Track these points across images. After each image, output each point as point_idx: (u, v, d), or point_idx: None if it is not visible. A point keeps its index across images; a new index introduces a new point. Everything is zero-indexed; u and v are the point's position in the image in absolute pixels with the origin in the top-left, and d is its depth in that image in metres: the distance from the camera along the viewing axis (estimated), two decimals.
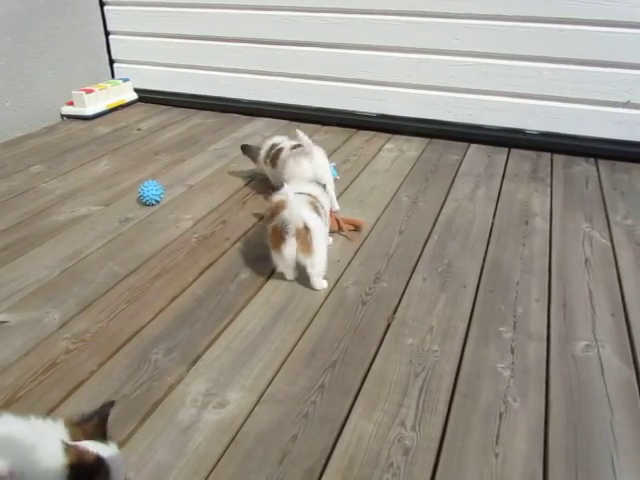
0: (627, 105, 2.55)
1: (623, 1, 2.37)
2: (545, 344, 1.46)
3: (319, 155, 2.03)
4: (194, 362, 1.40)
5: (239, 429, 1.21)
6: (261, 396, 1.29)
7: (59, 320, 1.55)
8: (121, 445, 1.16)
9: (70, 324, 1.54)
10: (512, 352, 1.43)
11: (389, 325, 1.53)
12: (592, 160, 2.65)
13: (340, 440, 1.18)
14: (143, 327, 1.52)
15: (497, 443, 1.18)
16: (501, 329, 1.51)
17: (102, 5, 3.45)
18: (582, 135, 2.68)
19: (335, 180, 2.17)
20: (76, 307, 1.61)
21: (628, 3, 2.37)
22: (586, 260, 1.83)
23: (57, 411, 1.25)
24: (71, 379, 1.34)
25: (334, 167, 2.26)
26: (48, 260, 1.84)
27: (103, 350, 1.44)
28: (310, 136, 2.05)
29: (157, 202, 2.20)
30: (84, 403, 1.27)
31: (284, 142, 2.19)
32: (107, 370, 1.37)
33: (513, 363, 1.39)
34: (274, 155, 2.16)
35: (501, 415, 1.24)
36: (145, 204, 2.19)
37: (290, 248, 1.60)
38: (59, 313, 1.58)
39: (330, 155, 2.43)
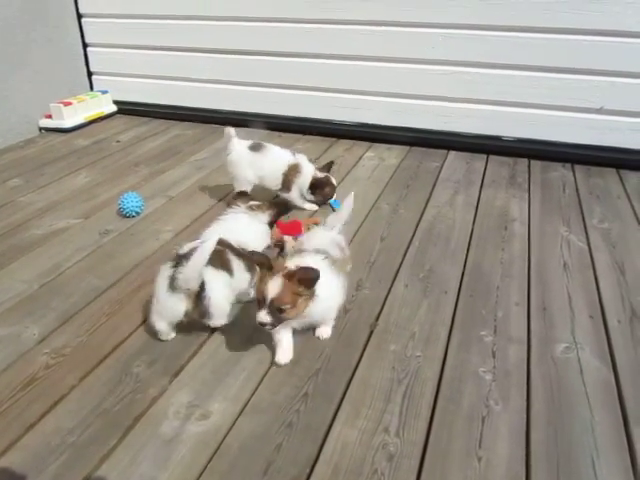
0: (600, 111, 2.61)
1: (595, 10, 2.43)
2: (525, 347, 1.47)
3: None
4: (177, 374, 1.39)
5: (223, 440, 1.20)
6: (245, 406, 1.29)
7: (38, 335, 1.53)
8: (103, 459, 1.15)
9: (49, 339, 1.52)
10: (493, 356, 1.44)
11: (372, 332, 1.53)
12: (568, 165, 2.70)
13: (324, 448, 1.18)
14: (124, 340, 1.51)
15: (480, 447, 1.19)
16: (482, 333, 1.52)
17: (80, 17, 3.43)
18: (558, 141, 2.73)
19: (334, 211, 2.18)
20: (55, 321, 1.59)
21: (600, 12, 2.43)
22: (564, 263, 1.86)
23: (37, 427, 1.23)
24: (51, 394, 1.32)
25: (337, 201, 2.25)
26: (27, 274, 1.82)
27: (84, 364, 1.42)
28: (290, 145, 2.07)
29: (137, 214, 2.19)
30: (65, 418, 1.25)
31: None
32: (88, 384, 1.36)
33: (494, 367, 1.40)
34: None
35: (483, 419, 1.25)
36: (125, 216, 2.18)
37: None
38: (38, 328, 1.56)
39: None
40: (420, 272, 1.81)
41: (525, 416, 1.26)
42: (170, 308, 1.44)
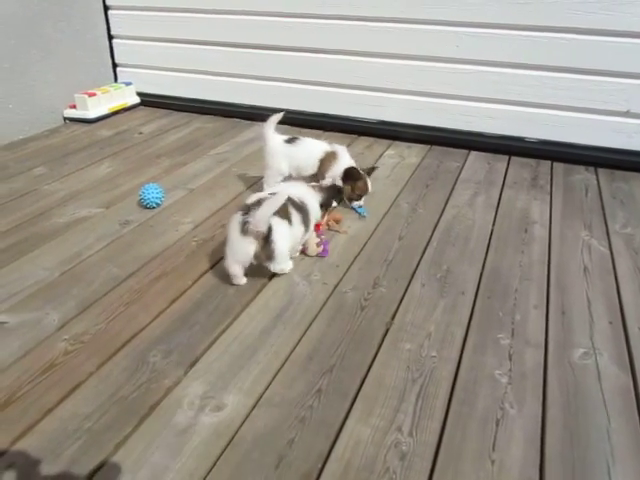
0: (627, 114, 2.56)
1: (623, 11, 2.39)
2: (543, 351, 1.46)
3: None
4: (192, 365, 1.40)
5: (236, 432, 1.21)
6: (258, 400, 1.30)
7: (58, 321, 1.56)
8: (118, 446, 1.17)
9: (69, 325, 1.54)
10: (510, 359, 1.43)
11: (387, 330, 1.53)
12: (592, 168, 2.66)
13: (337, 445, 1.18)
14: (142, 329, 1.52)
15: (494, 449, 1.18)
16: (499, 336, 1.51)
17: (106, 9, 3.47)
18: (582, 144, 2.69)
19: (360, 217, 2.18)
20: (75, 309, 1.61)
21: (627, 13, 2.39)
22: (585, 268, 1.83)
23: (55, 412, 1.25)
24: (69, 380, 1.35)
25: (363, 208, 2.20)
26: (48, 262, 1.85)
27: (102, 352, 1.44)
28: None
29: (158, 205, 2.21)
30: (82, 404, 1.27)
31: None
32: (105, 372, 1.37)
33: (510, 370, 1.39)
34: None
35: (498, 422, 1.24)
36: (146, 207, 2.20)
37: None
38: (58, 314, 1.58)
39: None
40: (438, 272, 1.80)
41: (540, 420, 1.25)
42: (242, 250, 1.64)
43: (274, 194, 1.63)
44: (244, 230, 1.60)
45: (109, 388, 1.32)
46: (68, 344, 1.47)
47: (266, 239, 1.62)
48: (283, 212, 1.67)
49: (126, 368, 1.38)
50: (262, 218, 1.58)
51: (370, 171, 2.23)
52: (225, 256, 1.69)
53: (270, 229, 1.61)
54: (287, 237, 1.69)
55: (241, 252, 1.64)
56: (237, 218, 1.62)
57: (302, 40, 3.04)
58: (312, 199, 1.89)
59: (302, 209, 1.77)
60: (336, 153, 2.20)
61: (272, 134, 2.20)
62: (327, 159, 2.18)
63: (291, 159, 2.20)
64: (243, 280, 1.72)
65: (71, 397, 1.30)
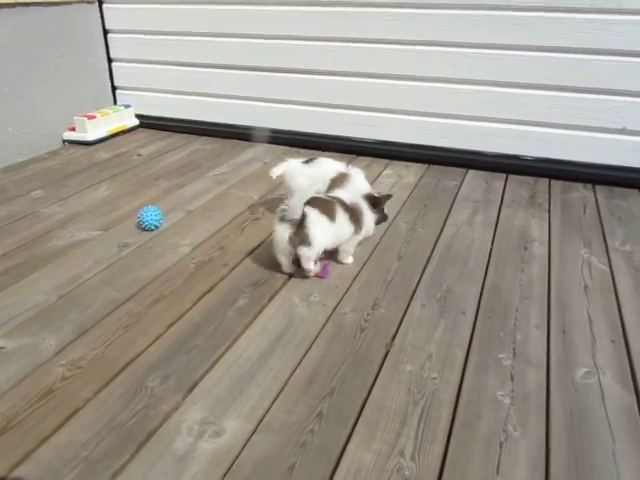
0: (623, 132, 2.58)
1: (615, 30, 2.42)
2: (545, 371, 1.45)
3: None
4: (190, 390, 1.38)
5: (235, 459, 1.19)
6: (258, 425, 1.28)
7: (55, 346, 1.54)
8: (116, 474, 1.15)
9: (66, 350, 1.52)
10: (512, 379, 1.41)
11: (388, 352, 1.52)
12: (589, 186, 2.67)
13: (338, 470, 1.16)
14: (140, 354, 1.51)
15: (497, 473, 1.16)
16: (500, 356, 1.50)
17: (106, 33, 3.51)
18: (579, 161, 2.71)
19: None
20: (73, 333, 1.60)
21: (619, 32, 2.42)
22: (585, 286, 1.83)
23: (51, 440, 1.24)
24: (66, 407, 1.33)
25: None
26: (46, 285, 1.84)
27: (99, 377, 1.42)
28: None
29: (156, 227, 2.21)
30: (79, 431, 1.25)
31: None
32: (103, 398, 1.36)
33: (513, 391, 1.38)
34: None
35: (501, 444, 1.23)
36: (144, 229, 2.20)
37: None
38: (56, 339, 1.57)
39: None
40: (437, 292, 1.79)
41: (544, 442, 1.23)
42: (280, 236, 1.78)
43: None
44: (281, 217, 1.78)
45: (106, 415, 1.30)
46: (65, 369, 1.45)
47: (300, 225, 1.74)
48: (325, 208, 1.81)
49: (124, 394, 1.37)
50: (294, 206, 1.74)
51: (385, 198, 2.13)
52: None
53: (304, 216, 1.74)
54: (323, 228, 1.78)
55: (278, 236, 1.79)
56: (279, 212, 1.80)
57: (300, 62, 3.07)
58: (366, 206, 1.97)
59: (352, 210, 1.88)
60: (349, 175, 2.16)
61: (286, 162, 2.23)
62: (339, 179, 2.16)
63: (309, 177, 2.18)
64: (291, 269, 1.87)
65: (68, 424, 1.28)
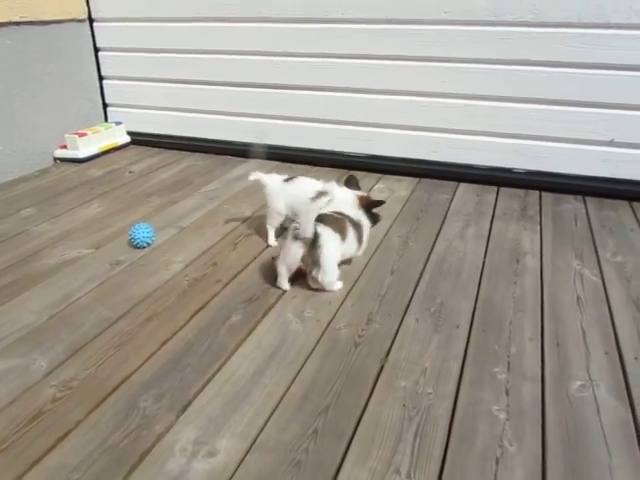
0: (611, 144, 2.61)
1: (603, 44, 2.46)
2: (540, 385, 1.44)
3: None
4: (184, 409, 1.37)
5: (230, 479, 1.17)
6: (252, 444, 1.26)
7: (46, 367, 1.52)
8: None
9: (57, 371, 1.51)
10: (507, 394, 1.41)
11: (382, 367, 1.51)
12: (580, 197, 2.69)
13: None
14: (132, 373, 1.49)
15: None
16: (495, 370, 1.49)
17: (97, 51, 3.52)
18: (569, 173, 2.73)
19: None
20: (64, 353, 1.58)
21: (607, 46, 2.45)
22: (578, 298, 1.83)
23: (42, 463, 1.21)
24: (57, 429, 1.31)
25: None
26: (37, 305, 1.82)
27: (91, 398, 1.40)
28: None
29: (148, 245, 2.20)
30: (70, 454, 1.23)
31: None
32: (94, 419, 1.34)
33: (508, 405, 1.37)
34: None
35: (497, 460, 1.22)
36: (136, 247, 2.18)
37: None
38: (46, 360, 1.55)
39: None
40: (431, 306, 1.79)
41: (540, 458, 1.22)
42: (291, 253, 1.80)
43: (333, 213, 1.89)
44: (294, 236, 1.78)
45: (98, 436, 1.28)
46: (56, 390, 1.43)
47: (312, 244, 1.76)
48: (337, 226, 1.85)
49: (116, 414, 1.35)
50: (306, 225, 1.75)
51: (377, 204, 2.16)
52: (278, 257, 1.88)
53: (317, 235, 1.76)
54: (336, 248, 1.83)
55: (290, 255, 1.80)
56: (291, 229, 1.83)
57: (291, 78, 3.09)
58: (367, 222, 2.03)
59: (357, 227, 1.94)
60: (328, 192, 2.16)
61: (268, 177, 2.22)
62: (319, 198, 2.17)
63: (286, 197, 2.19)
64: (286, 285, 1.88)
65: (59, 446, 1.26)
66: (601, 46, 2.47)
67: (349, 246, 1.91)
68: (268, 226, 2.23)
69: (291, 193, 2.18)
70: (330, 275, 1.83)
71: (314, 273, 1.81)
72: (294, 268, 1.84)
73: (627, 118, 2.55)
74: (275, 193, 2.19)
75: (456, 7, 2.64)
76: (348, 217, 1.92)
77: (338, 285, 1.88)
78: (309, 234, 1.76)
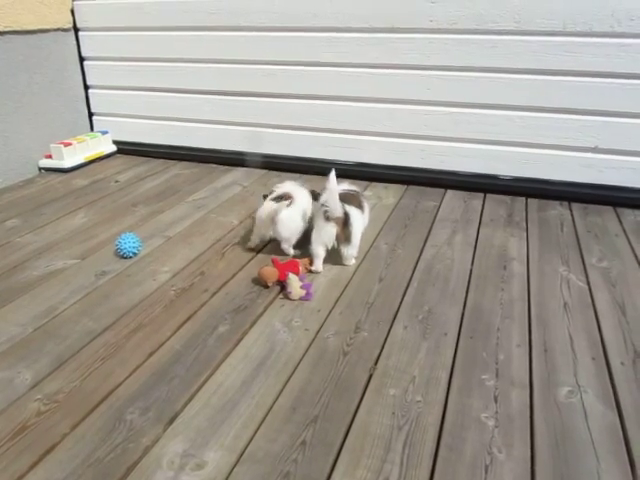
0: (595, 150, 2.64)
1: (585, 52, 2.49)
2: (528, 391, 1.44)
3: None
4: (171, 421, 1.35)
5: None
6: (241, 455, 1.25)
7: (31, 380, 1.50)
8: None
9: (42, 384, 1.48)
10: (495, 401, 1.41)
11: (371, 376, 1.50)
12: (565, 203, 2.71)
13: None
14: (118, 385, 1.48)
15: None
16: (484, 377, 1.49)
17: (82, 60, 3.50)
18: (555, 179, 2.75)
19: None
20: (49, 366, 1.56)
21: (589, 54, 2.49)
22: (565, 303, 1.84)
23: (26, 478, 1.19)
24: (42, 443, 1.29)
25: None
26: (21, 317, 1.79)
27: (76, 411, 1.38)
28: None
29: (135, 255, 2.18)
30: (55, 469, 1.21)
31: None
32: (80, 432, 1.32)
33: (497, 412, 1.37)
34: None
35: (487, 467, 1.22)
36: (122, 257, 2.17)
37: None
38: (31, 373, 1.53)
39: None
40: (419, 313, 1.79)
41: (530, 464, 1.23)
42: (327, 233, 1.98)
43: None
44: (326, 217, 1.96)
45: (84, 450, 1.27)
46: (41, 404, 1.41)
47: (345, 223, 1.97)
48: (357, 202, 2.06)
49: (102, 428, 1.33)
50: (334, 205, 1.93)
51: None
52: (311, 241, 2.02)
53: (347, 215, 1.97)
54: (361, 223, 2.06)
55: (327, 235, 1.97)
56: (317, 206, 2.03)
57: (278, 86, 3.10)
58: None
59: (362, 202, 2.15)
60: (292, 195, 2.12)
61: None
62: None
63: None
64: (321, 267, 2.04)
65: (44, 461, 1.24)
66: (585, 54, 2.50)
67: (365, 218, 2.13)
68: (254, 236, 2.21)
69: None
70: (355, 250, 2.06)
71: (343, 250, 2.02)
72: (330, 247, 2.01)
73: (611, 125, 2.58)
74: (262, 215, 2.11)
75: (441, 16, 2.66)
76: (358, 192, 2.15)
77: (353, 260, 2.09)
78: (339, 214, 1.94)
